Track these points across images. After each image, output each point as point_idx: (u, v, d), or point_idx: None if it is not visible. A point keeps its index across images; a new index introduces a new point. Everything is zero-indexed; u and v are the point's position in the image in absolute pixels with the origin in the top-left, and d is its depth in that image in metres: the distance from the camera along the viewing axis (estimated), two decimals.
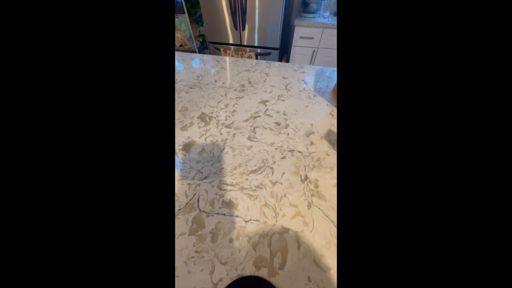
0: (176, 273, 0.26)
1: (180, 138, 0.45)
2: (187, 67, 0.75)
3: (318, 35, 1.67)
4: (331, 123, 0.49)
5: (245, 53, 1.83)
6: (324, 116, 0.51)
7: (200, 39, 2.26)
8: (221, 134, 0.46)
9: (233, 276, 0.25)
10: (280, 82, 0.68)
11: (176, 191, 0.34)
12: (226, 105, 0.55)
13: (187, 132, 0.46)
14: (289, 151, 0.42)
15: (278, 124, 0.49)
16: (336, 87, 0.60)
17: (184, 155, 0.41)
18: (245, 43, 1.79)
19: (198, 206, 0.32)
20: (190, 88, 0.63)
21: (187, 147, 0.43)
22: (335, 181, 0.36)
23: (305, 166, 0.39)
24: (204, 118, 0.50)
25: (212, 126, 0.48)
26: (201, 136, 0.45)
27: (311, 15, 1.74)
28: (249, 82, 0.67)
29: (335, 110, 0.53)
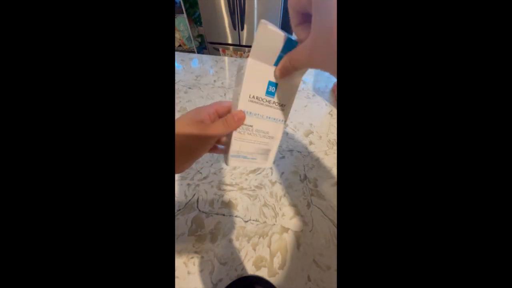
0: (176, 273, 0.25)
1: None
2: (186, 67, 0.75)
3: None
4: (330, 123, 0.49)
5: (244, 53, 1.83)
6: (323, 116, 0.51)
7: (199, 39, 2.26)
8: None
9: (233, 276, 0.25)
10: None
11: (175, 192, 0.34)
12: None
13: None
14: (288, 151, 0.42)
15: None
16: (335, 86, 0.60)
17: None
18: (244, 43, 1.79)
19: (197, 207, 0.32)
20: (189, 88, 0.63)
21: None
22: (334, 180, 0.36)
23: (304, 166, 0.39)
24: None
25: None
26: None
27: None
28: None
29: (334, 109, 0.54)
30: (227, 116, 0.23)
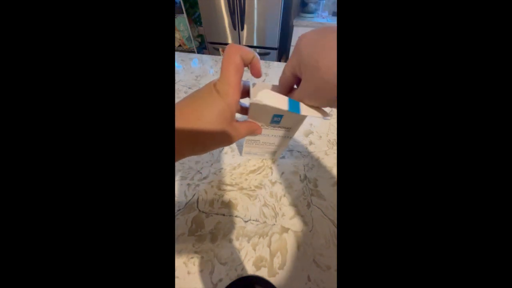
0: (176, 273, 0.25)
1: None
2: (186, 67, 0.75)
3: None
4: (330, 123, 0.49)
5: None
6: None
7: (199, 39, 2.26)
8: None
9: (233, 276, 0.25)
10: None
11: (175, 192, 0.34)
12: None
13: None
14: (288, 150, 0.42)
15: None
16: None
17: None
18: (244, 43, 1.79)
19: (197, 207, 0.32)
20: (189, 88, 0.63)
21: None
22: (334, 180, 0.36)
23: (304, 166, 0.39)
24: None
25: None
26: None
27: (310, 15, 1.74)
28: None
29: (334, 109, 0.54)
30: (252, 127, 0.25)
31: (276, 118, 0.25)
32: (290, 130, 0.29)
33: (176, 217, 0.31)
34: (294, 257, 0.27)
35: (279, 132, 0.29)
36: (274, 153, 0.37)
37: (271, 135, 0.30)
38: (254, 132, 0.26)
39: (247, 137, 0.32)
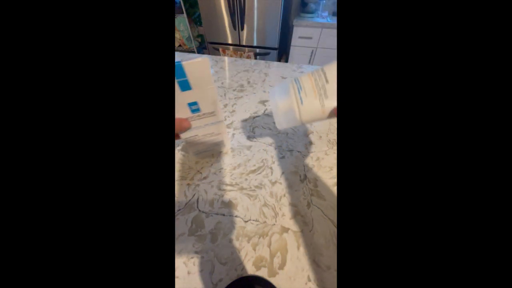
0: (176, 273, 0.25)
1: None
2: None
3: (317, 35, 1.67)
4: (330, 123, 0.49)
5: (244, 53, 1.83)
6: None
7: (199, 39, 2.26)
8: None
9: (233, 276, 0.25)
10: (279, 82, 0.68)
11: (175, 192, 0.34)
12: (225, 105, 0.55)
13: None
14: (288, 150, 0.42)
15: None
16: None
17: (183, 155, 0.40)
18: (244, 43, 1.79)
19: (197, 207, 0.32)
20: None
21: (186, 147, 0.42)
22: (334, 180, 0.36)
23: (304, 166, 0.39)
24: None
25: None
26: None
27: (310, 15, 1.74)
28: (248, 82, 0.67)
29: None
30: (180, 121, 0.28)
31: (193, 106, 0.27)
32: (216, 114, 0.31)
33: (176, 217, 0.31)
34: (294, 257, 0.27)
35: (208, 119, 0.31)
36: (222, 143, 0.38)
37: (204, 125, 0.31)
38: (182, 126, 0.28)
39: (185, 138, 0.32)
